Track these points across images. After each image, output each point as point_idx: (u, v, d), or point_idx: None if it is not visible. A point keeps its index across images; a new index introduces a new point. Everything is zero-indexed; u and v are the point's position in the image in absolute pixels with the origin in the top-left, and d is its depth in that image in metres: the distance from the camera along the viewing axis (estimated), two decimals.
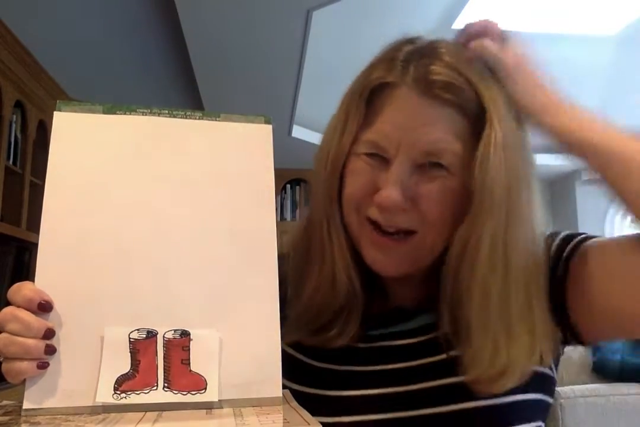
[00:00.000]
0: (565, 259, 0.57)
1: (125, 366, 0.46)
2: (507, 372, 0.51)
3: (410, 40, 0.57)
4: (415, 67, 0.54)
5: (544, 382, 0.58)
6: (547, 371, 0.58)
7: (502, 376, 0.51)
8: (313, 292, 0.59)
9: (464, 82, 0.53)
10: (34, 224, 2.71)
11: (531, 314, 0.53)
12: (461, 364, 0.53)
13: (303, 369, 0.62)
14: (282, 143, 3.61)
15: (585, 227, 4.36)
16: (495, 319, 0.52)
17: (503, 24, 0.59)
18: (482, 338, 0.52)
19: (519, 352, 0.52)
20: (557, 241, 0.59)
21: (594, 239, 0.57)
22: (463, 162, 0.53)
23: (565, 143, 0.53)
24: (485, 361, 0.51)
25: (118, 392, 0.45)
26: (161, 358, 0.47)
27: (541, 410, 0.58)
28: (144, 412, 0.44)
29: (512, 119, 0.54)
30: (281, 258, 0.51)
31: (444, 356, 0.56)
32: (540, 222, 0.56)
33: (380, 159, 0.55)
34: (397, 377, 0.57)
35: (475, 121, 0.53)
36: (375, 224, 0.56)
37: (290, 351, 0.62)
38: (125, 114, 0.52)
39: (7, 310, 0.45)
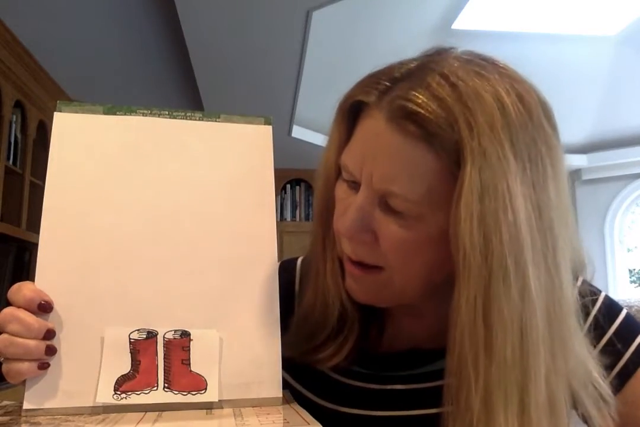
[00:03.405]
0: (624, 370, 0.53)
1: (125, 366, 0.46)
2: None
3: (421, 58, 0.49)
4: (397, 89, 0.46)
5: None
6: None
7: None
8: (309, 310, 0.57)
9: (444, 118, 0.43)
10: (34, 224, 2.71)
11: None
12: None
13: (312, 408, 0.53)
14: (282, 143, 3.60)
15: (585, 227, 4.36)
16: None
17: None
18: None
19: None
20: (616, 323, 0.54)
21: None
22: (427, 209, 0.45)
23: None
24: None
25: (118, 392, 0.45)
26: (161, 358, 0.47)
27: None
28: (144, 413, 0.44)
29: (505, 164, 0.43)
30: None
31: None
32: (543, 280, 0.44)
33: (356, 184, 0.50)
34: (414, 423, 0.54)
35: (453, 163, 0.44)
36: (345, 259, 0.53)
37: (298, 387, 0.60)
38: (125, 114, 0.52)
39: (8, 310, 0.45)
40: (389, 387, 0.56)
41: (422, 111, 0.43)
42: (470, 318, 0.43)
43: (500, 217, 0.42)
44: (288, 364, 0.51)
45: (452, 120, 0.43)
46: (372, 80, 0.48)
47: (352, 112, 0.50)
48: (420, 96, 0.44)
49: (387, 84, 0.47)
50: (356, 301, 0.54)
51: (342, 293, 0.55)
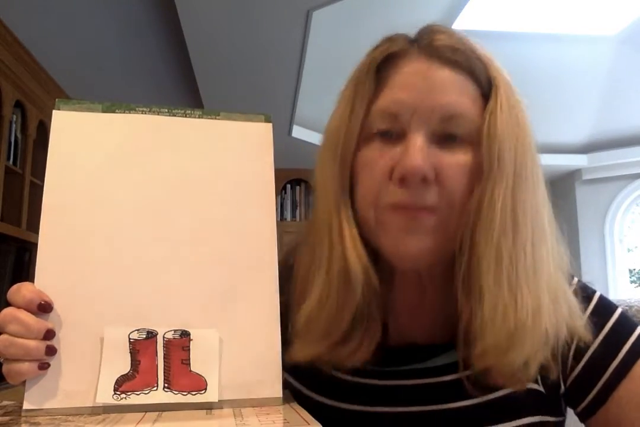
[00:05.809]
0: (615, 373, 0.52)
1: (125, 367, 0.46)
2: (515, 342, 0.47)
3: (399, 34, 0.56)
4: (419, 40, 0.53)
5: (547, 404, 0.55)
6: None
7: (511, 345, 0.47)
8: (319, 302, 0.51)
9: (469, 50, 0.52)
10: (34, 224, 2.70)
11: (538, 281, 0.49)
12: (471, 334, 0.49)
13: (312, 405, 0.54)
14: (282, 143, 3.60)
15: (585, 227, 4.36)
16: (505, 282, 0.48)
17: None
18: (492, 301, 0.48)
19: (526, 319, 0.47)
20: (608, 326, 0.54)
21: None
22: (477, 129, 0.50)
23: None
24: (496, 324, 0.47)
25: (118, 392, 0.45)
26: (161, 358, 0.46)
27: None
28: (144, 413, 0.44)
29: (513, 90, 0.53)
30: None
31: (470, 401, 0.53)
32: (544, 191, 0.54)
33: (396, 135, 0.51)
34: (419, 420, 0.54)
35: (485, 89, 0.52)
36: (396, 210, 0.50)
37: (304, 390, 0.60)
38: (124, 112, 0.52)
39: (7, 311, 0.45)
40: (390, 382, 0.56)
41: (452, 44, 0.52)
42: (504, 209, 0.48)
43: (522, 127, 0.51)
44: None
45: (471, 48, 0.52)
46: (392, 38, 0.55)
47: (377, 69, 0.53)
48: (442, 38, 0.52)
49: (409, 38, 0.54)
50: (402, 260, 0.51)
51: (365, 262, 0.51)
